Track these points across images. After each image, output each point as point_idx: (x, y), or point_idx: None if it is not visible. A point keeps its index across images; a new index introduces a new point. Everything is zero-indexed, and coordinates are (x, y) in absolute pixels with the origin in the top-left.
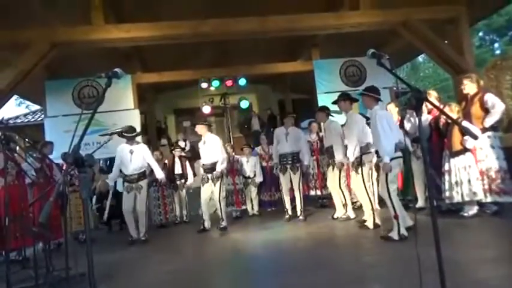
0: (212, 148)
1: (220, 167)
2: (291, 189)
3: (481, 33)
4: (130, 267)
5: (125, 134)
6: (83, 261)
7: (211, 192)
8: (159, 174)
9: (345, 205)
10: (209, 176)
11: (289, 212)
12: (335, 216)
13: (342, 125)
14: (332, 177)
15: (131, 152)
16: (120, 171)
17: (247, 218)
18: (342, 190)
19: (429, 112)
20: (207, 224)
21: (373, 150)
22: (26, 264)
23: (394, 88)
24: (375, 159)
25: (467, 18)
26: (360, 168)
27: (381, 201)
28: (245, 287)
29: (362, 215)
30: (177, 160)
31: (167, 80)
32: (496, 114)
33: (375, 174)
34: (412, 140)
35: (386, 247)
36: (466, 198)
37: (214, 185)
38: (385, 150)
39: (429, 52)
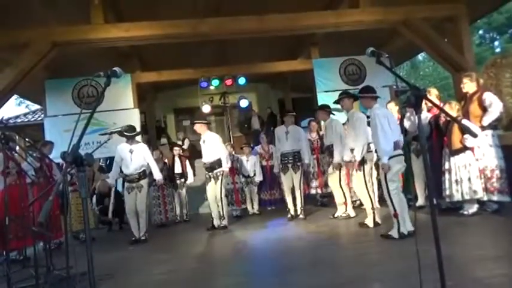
0: (212, 146)
1: (226, 165)
2: (292, 188)
3: (481, 31)
4: (130, 267)
5: (125, 133)
6: (83, 261)
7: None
8: (157, 175)
9: (345, 203)
10: (210, 174)
11: (292, 211)
12: (335, 215)
13: (343, 124)
14: (333, 176)
15: (131, 151)
16: (121, 170)
17: (247, 217)
18: (342, 189)
19: (429, 110)
20: (215, 222)
21: (373, 148)
22: (27, 263)
23: (394, 87)
24: (375, 158)
25: (467, 16)
26: (361, 167)
27: (381, 200)
28: (245, 286)
29: (362, 214)
30: (176, 159)
31: (167, 79)
32: (493, 113)
33: (375, 173)
34: (412, 138)
35: (386, 245)
36: (466, 197)
37: (215, 183)
38: (384, 150)
39: (429, 50)
